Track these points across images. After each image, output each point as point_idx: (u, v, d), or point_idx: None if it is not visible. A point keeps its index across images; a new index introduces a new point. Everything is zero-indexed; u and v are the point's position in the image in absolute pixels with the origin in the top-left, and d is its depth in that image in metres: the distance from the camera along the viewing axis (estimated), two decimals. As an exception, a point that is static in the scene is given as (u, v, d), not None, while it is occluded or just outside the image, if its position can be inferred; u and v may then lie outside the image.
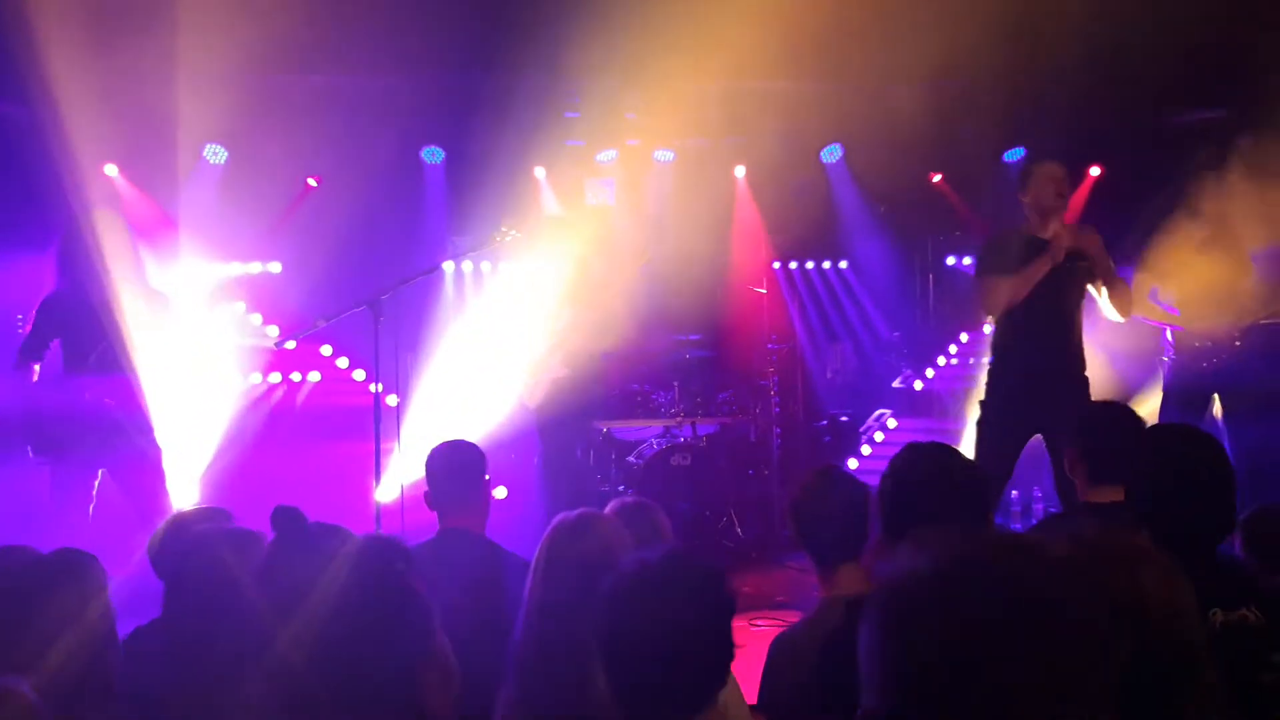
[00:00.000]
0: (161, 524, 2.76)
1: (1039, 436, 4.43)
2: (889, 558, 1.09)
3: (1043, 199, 4.34)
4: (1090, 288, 4.44)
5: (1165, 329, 5.46)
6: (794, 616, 4.60)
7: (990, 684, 0.96)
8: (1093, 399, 3.16)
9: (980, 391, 4.58)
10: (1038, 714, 0.96)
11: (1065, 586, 1.02)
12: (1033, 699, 0.96)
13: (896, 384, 8.06)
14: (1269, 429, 5.30)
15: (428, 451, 3.34)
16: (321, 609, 1.60)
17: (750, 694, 2.90)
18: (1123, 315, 4.46)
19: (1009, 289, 4.26)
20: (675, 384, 7.10)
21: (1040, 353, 4.32)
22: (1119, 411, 3.07)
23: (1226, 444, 5.11)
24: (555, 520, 2.59)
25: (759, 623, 4.84)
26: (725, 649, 1.75)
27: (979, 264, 4.56)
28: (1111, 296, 4.39)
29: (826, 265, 8.56)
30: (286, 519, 1.92)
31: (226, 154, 6.98)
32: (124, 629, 2.55)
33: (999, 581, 1.01)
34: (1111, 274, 4.40)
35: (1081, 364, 4.41)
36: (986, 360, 4.63)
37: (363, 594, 1.63)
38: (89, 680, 2.13)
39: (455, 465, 3.27)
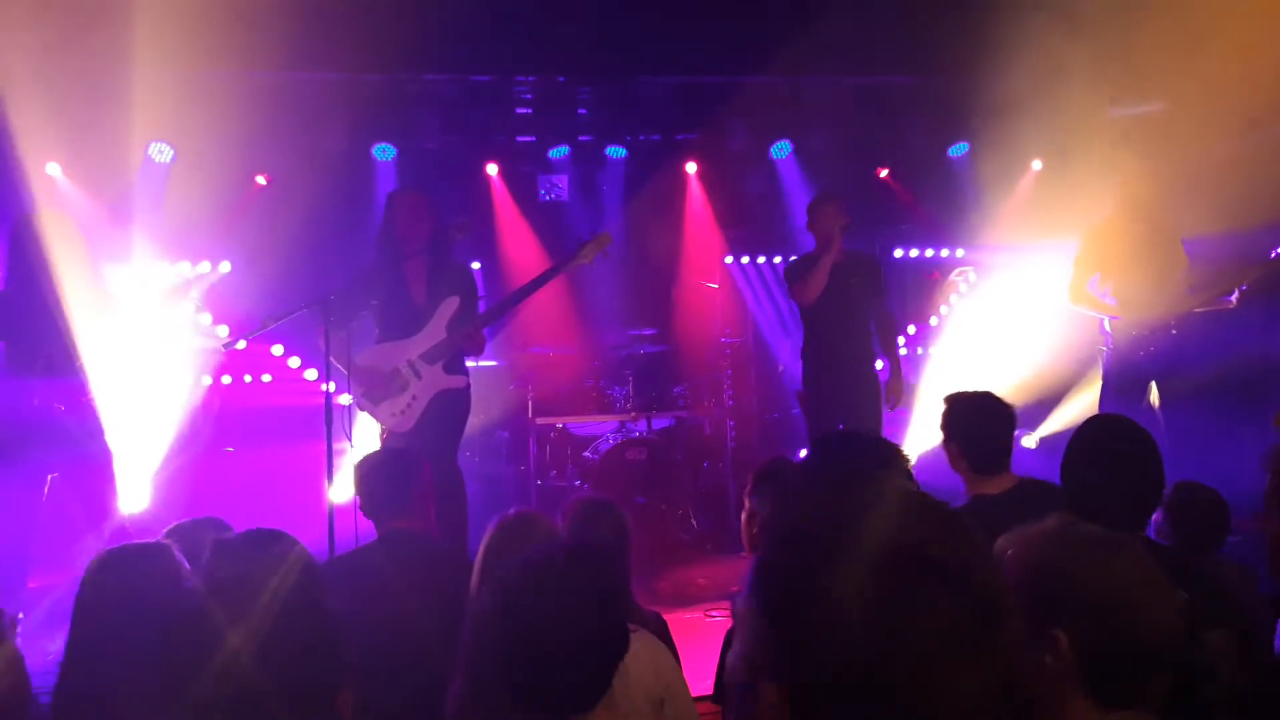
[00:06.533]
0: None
1: None
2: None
3: (829, 229, 5.48)
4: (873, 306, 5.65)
5: (1103, 319, 5.60)
6: (749, 607, 4.66)
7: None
8: (961, 390, 3.25)
9: (803, 382, 5.71)
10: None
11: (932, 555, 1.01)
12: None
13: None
14: (1205, 415, 5.47)
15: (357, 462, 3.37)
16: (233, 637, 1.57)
17: (707, 685, 2.96)
18: (885, 338, 5.75)
19: (813, 282, 5.47)
20: (630, 378, 7.14)
21: (843, 350, 5.53)
22: (989, 400, 3.15)
23: (1163, 430, 5.30)
24: (495, 519, 2.63)
25: (714, 613, 4.88)
26: (613, 644, 1.75)
27: (791, 274, 5.67)
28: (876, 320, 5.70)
29: (778, 260, 8.65)
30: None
31: (173, 152, 6.87)
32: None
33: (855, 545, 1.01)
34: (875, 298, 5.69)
35: (873, 357, 5.69)
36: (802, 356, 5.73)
37: (275, 621, 1.59)
38: None
39: (387, 474, 3.25)
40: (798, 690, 1.01)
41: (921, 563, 0.98)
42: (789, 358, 8.37)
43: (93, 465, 4.42)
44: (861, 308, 5.61)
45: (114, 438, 4.51)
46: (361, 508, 3.30)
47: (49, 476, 4.38)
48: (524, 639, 1.68)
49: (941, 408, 3.18)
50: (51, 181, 6.43)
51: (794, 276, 5.63)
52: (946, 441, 3.13)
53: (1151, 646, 1.48)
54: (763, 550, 1.08)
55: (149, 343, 5.11)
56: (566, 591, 1.71)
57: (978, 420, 3.07)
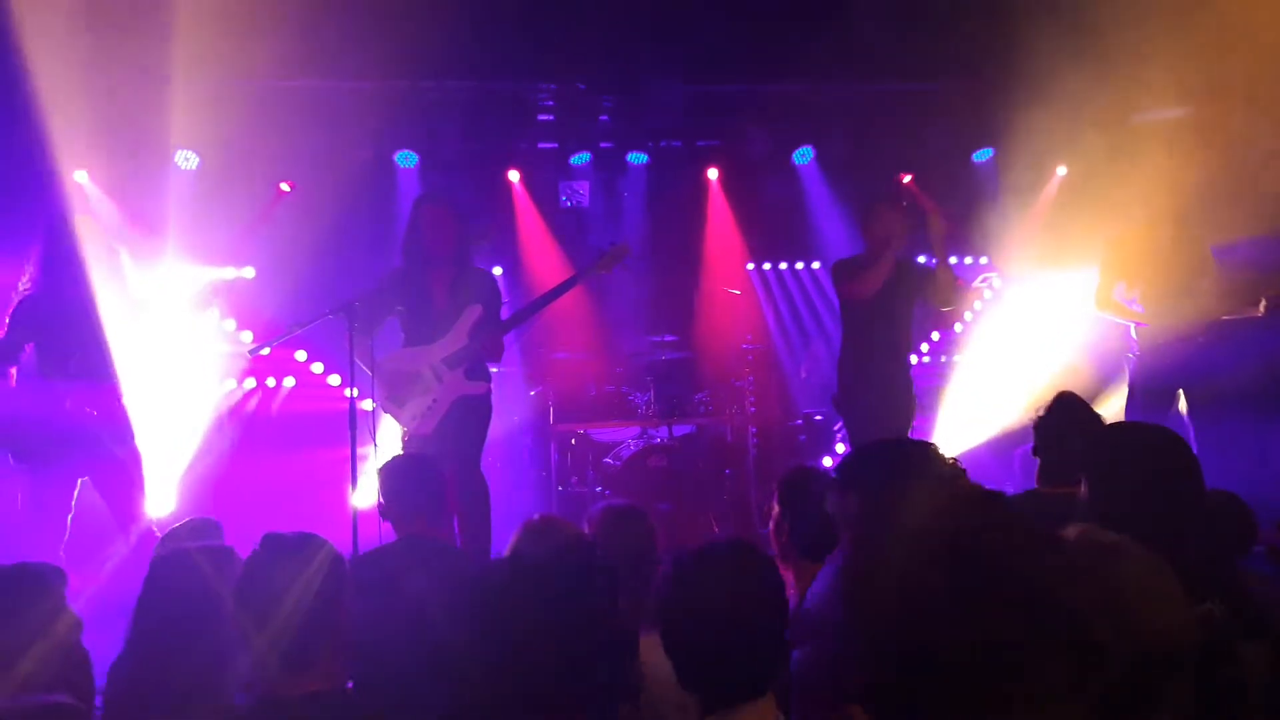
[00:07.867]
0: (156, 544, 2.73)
1: None
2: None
3: (887, 231, 5.32)
4: (924, 294, 5.47)
5: (1129, 326, 5.55)
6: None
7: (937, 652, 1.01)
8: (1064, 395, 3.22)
9: (841, 387, 5.54)
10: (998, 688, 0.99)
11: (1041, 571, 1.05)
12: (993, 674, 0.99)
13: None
14: (1233, 424, 5.41)
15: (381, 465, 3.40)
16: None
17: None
18: (945, 304, 5.51)
19: (871, 278, 5.32)
20: (651, 385, 7.13)
21: (882, 350, 5.41)
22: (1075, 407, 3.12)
23: (1191, 439, 5.24)
24: (521, 524, 2.64)
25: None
26: (784, 630, 1.84)
27: (843, 271, 5.51)
28: (935, 291, 5.43)
29: (800, 266, 8.63)
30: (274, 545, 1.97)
31: (199, 160, 6.94)
32: (98, 635, 2.53)
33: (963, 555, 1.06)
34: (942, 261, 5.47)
35: (909, 362, 5.62)
36: (841, 358, 5.60)
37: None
38: (60, 688, 2.13)
39: (412, 480, 3.29)
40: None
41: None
42: (811, 364, 8.35)
43: (122, 469, 4.46)
44: (904, 311, 5.52)
45: (143, 441, 4.54)
46: (381, 512, 3.33)
47: (79, 480, 4.41)
48: (703, 629, 1.77)
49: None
50: (79, 189, 6.51)
51: (847, 273, 5.52)
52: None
53: (1161, 651, 1.46)
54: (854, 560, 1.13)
55: (176, 348, 5.14)
56: (742, 583, 1.80)
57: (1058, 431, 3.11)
